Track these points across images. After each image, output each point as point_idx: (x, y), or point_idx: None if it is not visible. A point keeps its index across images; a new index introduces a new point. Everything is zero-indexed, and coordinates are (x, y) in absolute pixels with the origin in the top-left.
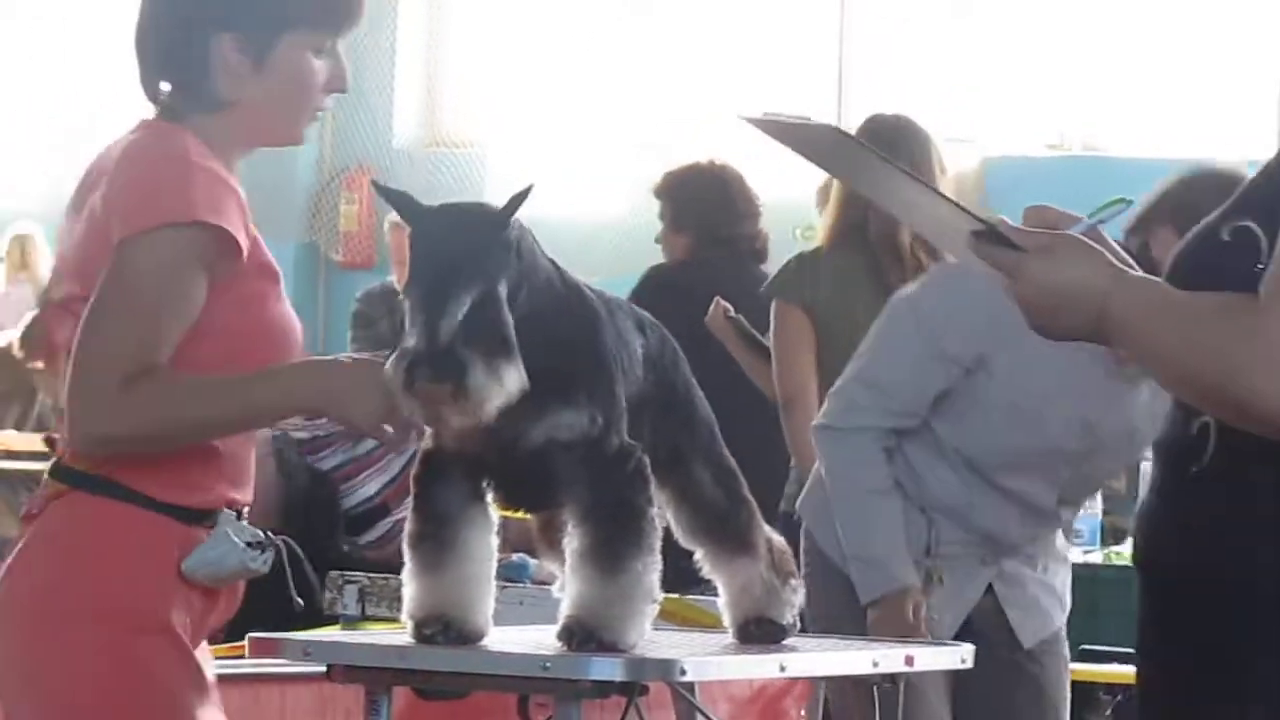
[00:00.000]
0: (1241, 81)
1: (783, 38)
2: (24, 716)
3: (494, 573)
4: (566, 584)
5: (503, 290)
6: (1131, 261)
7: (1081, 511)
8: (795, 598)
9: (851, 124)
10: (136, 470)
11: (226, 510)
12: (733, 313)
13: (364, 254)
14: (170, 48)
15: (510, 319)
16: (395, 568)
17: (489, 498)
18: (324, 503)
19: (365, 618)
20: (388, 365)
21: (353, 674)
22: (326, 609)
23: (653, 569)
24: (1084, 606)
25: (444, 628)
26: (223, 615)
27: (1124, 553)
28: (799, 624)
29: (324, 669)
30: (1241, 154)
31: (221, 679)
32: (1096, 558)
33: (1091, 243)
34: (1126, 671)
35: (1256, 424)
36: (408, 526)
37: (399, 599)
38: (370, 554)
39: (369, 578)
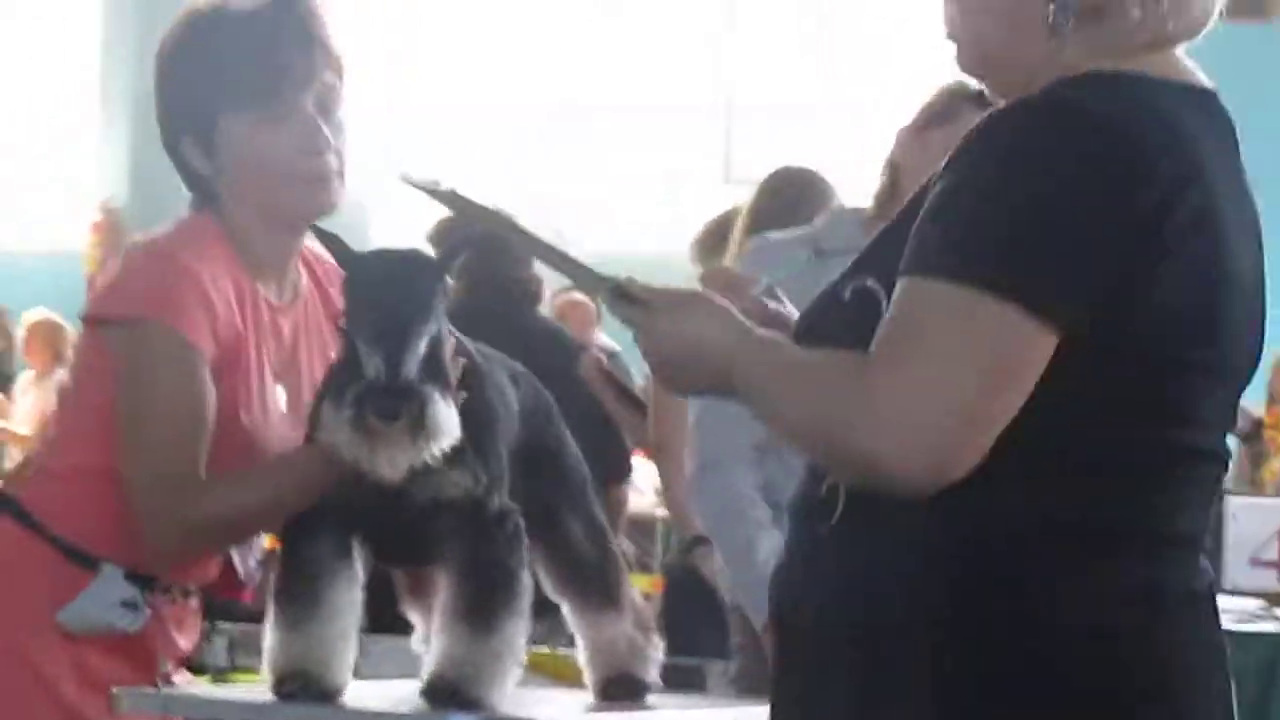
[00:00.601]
0: None
1: None
2: None
3: (357, 628)
4: (434, 639)
5: (444, 333)
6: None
7: None
8: (656, 654)
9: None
10: (40, 504)
11: (111, 565)
12: (605, 363)
13: None
14: (169, 152)
15: (449, 361)
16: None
17: (356, 553)
18: None
19: (234, 668)
20: (326, 405)
21: None
22: (196, 658)
23: (522, 631)
24: None
25: (304, 685)
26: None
27: None
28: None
29: None
30: None
31: None
32: None
33: (721, 301)
34: None
35: (877, 484)
36: (274, 580)
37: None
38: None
39: (239, 628)
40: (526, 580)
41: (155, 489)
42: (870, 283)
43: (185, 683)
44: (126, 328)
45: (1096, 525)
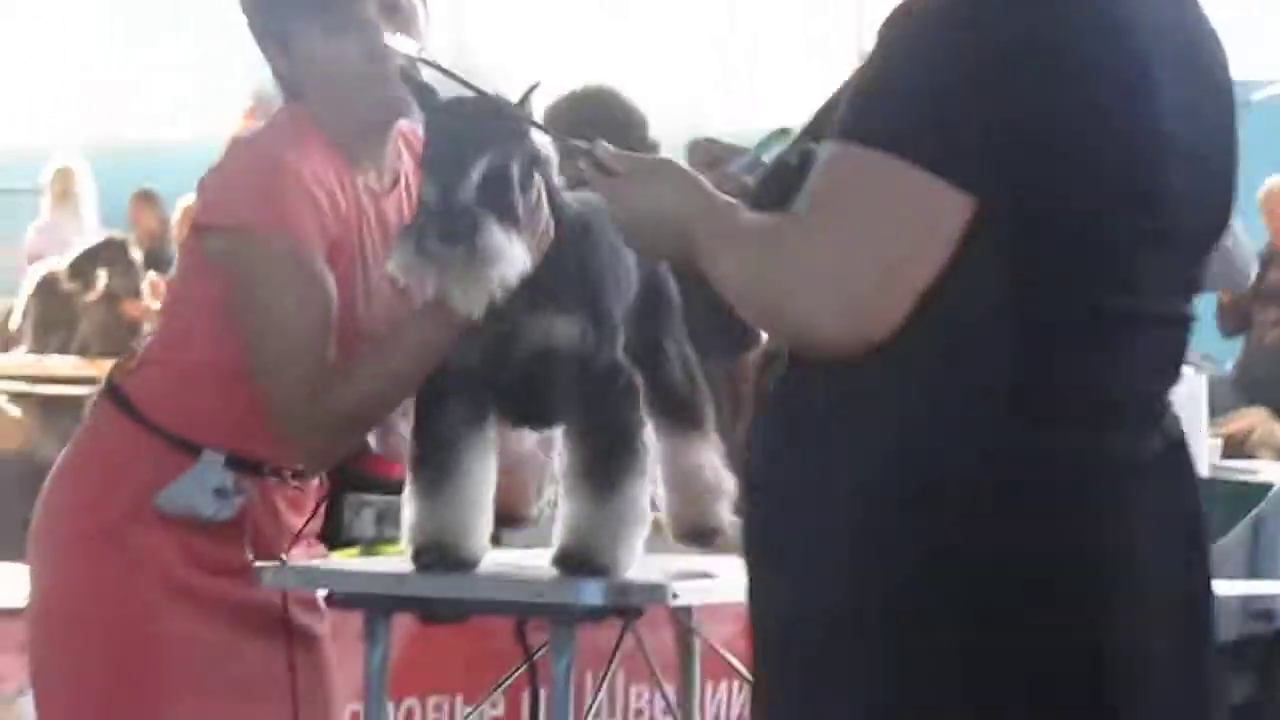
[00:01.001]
0: None
1: None
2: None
3: (493, 495)
4: (560, 503)
5: (515, 172)
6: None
7: None
8: (733, 488)
9: None
10: (143, 392)
11: (210, 451)
12: None
13: None
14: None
15: (520, 197)
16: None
17: (488, 419)
18: None
19: (384, 540)
20: (396, 241)
21: (352, 601)
22: (345, 532)
23: (644, 491)
24: None
25: (440, 555)
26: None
27: None
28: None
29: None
30: None
31: None
32: None
33: (690, 170)
34: None
35: (805, 344)
36: (409, 449)
37: None
38: (388, 472)
39: (386, 500)
40: (645, 440)
41: (293, 393)
42: (814, 146)
43: (317, 556)
44: (239, 236)
45: (1023, 389)
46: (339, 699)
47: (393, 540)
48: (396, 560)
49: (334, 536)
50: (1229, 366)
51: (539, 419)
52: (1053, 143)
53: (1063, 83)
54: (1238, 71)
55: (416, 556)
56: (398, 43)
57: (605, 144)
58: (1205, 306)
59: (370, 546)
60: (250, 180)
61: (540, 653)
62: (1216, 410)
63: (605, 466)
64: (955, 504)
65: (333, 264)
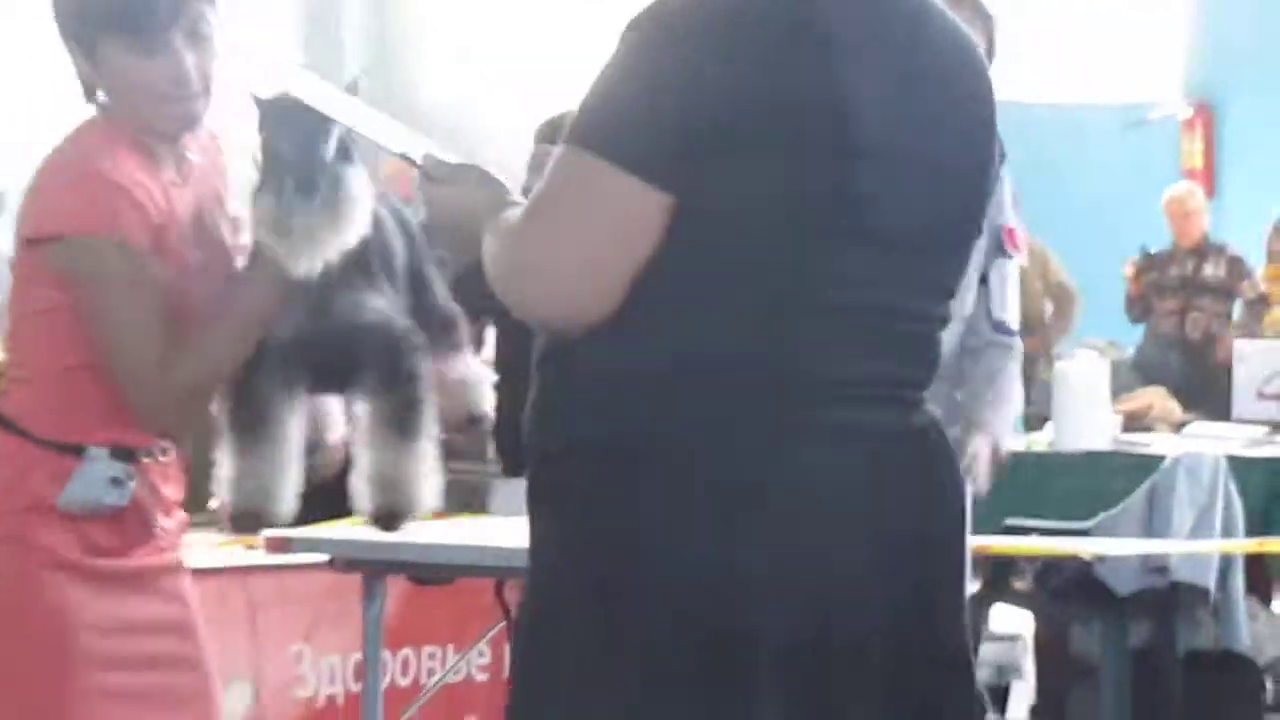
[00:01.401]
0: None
1: None
2: None
3: (299, 455)
4: (363, 456)
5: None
6: None
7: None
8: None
9: None
10: (20, 410)
11: (94, 448)
12: None
13: None
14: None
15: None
16: None
17: (300, 386)
18: None
19: None
20: (251, 209)
21: (352, 565)
22: (349, 503)
23: (435, 439)
24: (1007, 489)
25: (255, 520)
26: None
27: (1041, 439)
28: None
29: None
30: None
31: (252, 569)
32: (1020, 444)
33: (492, 175)
34: (1043, 544)
35: (534, 323)
36: (225, 409)
37: None
38: None
39: None
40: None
41: (143, 377)
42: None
43: (183, 524)
44: (73, 244)
45: (715, 368)
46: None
47: None
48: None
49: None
50: (1130, 351)
51: (346, 385)
52: (740, 149)
53: (752, 97)
54: (1132, 94)
55: (233, 521)
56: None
57: (431, 154)
58: (1113, 297)
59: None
60: (72, 191)
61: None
62: (1119, 390)
63: (406, 423)
64: (640, 456)
65: (158, 252)
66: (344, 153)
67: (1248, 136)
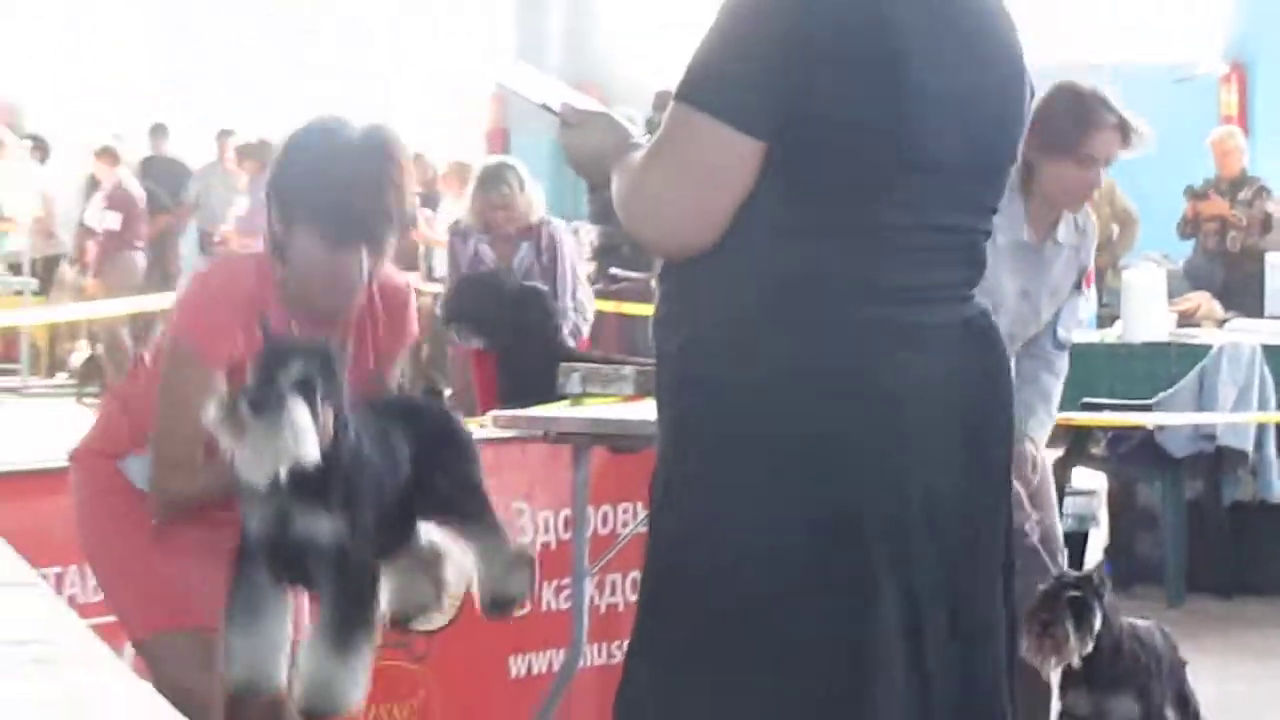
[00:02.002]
0: None
1: None
2: None
3: (289, 633)
4: (302, 655)
5: (319, 387)
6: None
7: (1088, 301)
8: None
9: None
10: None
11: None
12: None
13: None
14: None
15: (320, 406)
16: (596, 359)
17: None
18: (545, 313)
19: (585, 394)
20: (214, 403)
21: (562, 438)
22: (559, 390)
23: (372, 648)
24: (1083, 373)
25: (253, 689)
26: None
27: (1111, 334)
28: None
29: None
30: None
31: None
32: (1095, 337)
33: (618, 121)
34: (1114, 417)
35: (653, 254)
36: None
37: (609, 381)
38: (587, 348)
39: (587, 367)
40: (378, 612)
41: (159, 465)
42: None
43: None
44: (173, 342)
45: (805, 280)
46: None
47: (591, 395)
48: (594, 409)
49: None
50: (1180, 263)
51: (303, 584)
52: (817, 98)
53: (825, 58)
54: (1177, 54)
55: (234, 690)
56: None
57: (568, 103)
58: (1166, 220)
59: (576, 399)
60: (196, 307)
61: None
62: (1172, 294)
63: (344, 634)
64: (746, 353)
65: (232, 375)
66: (303, 386)
67: (1274, 91)
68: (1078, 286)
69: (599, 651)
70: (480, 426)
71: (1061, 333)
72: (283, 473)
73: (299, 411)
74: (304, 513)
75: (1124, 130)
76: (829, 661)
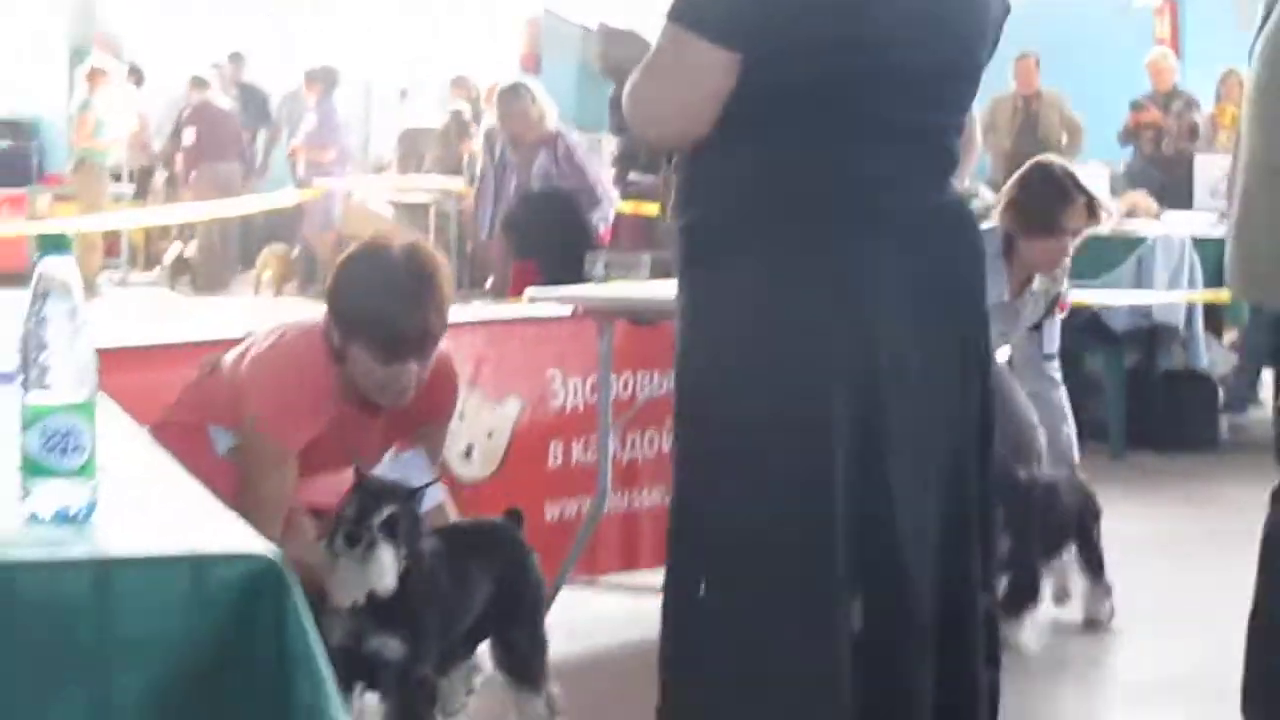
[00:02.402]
0: None
1: None
2: None
3: None
4: None
5: (403, 527)
6: None
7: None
8: None
9: None
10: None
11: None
12: None
13: None
14: None
15: (402, 543)
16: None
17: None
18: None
19: (608, 277)
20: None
21: (589, 312)
22: (585, 274)
23: None
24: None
25: None
26: None
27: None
28: None
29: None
30: None
31: (521, 320)
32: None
33: (642, 37)
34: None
35: (650, 142)
36: None
37: (629, 266)
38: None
39: (609, 253)
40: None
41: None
42: None
43: None
44: (251, 429)
45: (783, 170)
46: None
47: (612, 278)
48: (615, 287)
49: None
50: (1121, 166)
51: (373, 689)
52: (789, 13)
53: None
54: None
55: None
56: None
57: (603, 23)
58: (1108, 130)
59: (601, 281)
60: (281, 394)
61: None
62: (1114, 192)
63: None
64: (734, 232)
65: (305, 452)
66: (389, 527)
67: (1201, 19)
68: (1051, 312)
69: (621, 498)
70: (521, 304)
71: (1047, 347)
72: (362, 598)
73: (384, 550)
74: (377, 632)
75: (1091, 207)
76: (797, 487)
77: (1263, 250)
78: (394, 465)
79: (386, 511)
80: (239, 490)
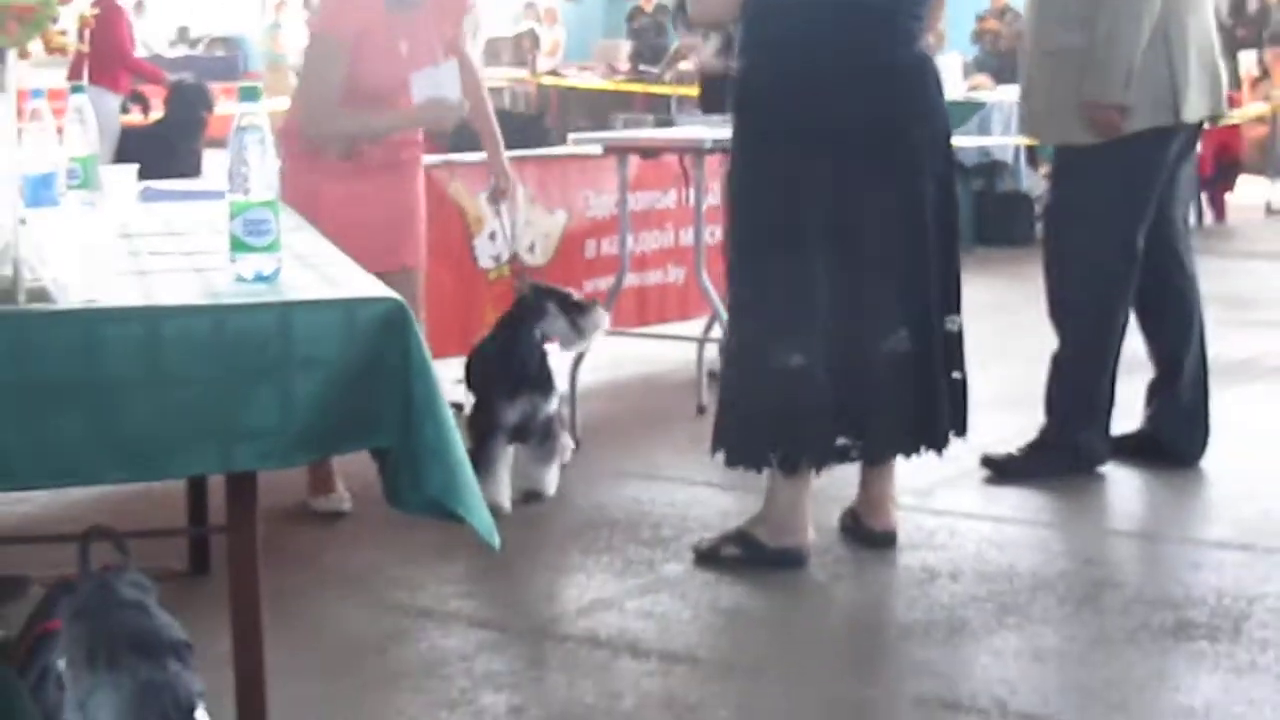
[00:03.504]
0: None
1: None
2: None
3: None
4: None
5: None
6: None
7: None
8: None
9: None
10: None
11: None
12: None
13: None
14: None
15: None
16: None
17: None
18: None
19: (625, 127)
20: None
21: (609, 150)
22: (610, 126)
23: None
24: None
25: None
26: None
27: None
28: None
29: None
30: None
31: (563, 156)
32: None
33: None
34: None
35: (702, 23)
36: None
37: (638, 122)
38: None
39: (626, 114)
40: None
41: (305, 116)
42: None
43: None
44: (309, 32)
45: (789, 40)
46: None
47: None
48: (630, 134)
49: None
50: (972, 58)
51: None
52: None
53: None
54: None
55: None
56: None
57: None
58: (963, 32)
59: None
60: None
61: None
62: (965, 74)
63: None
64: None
65: (359, 46)
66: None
67: None
68: None
69: (635, 277)
70: (567, 146)
71: None
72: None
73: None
74: (545, 396)
75: None
76: (778, 202)
77: (1039, 108)
78: (432, 74)
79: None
80: (302, 83)
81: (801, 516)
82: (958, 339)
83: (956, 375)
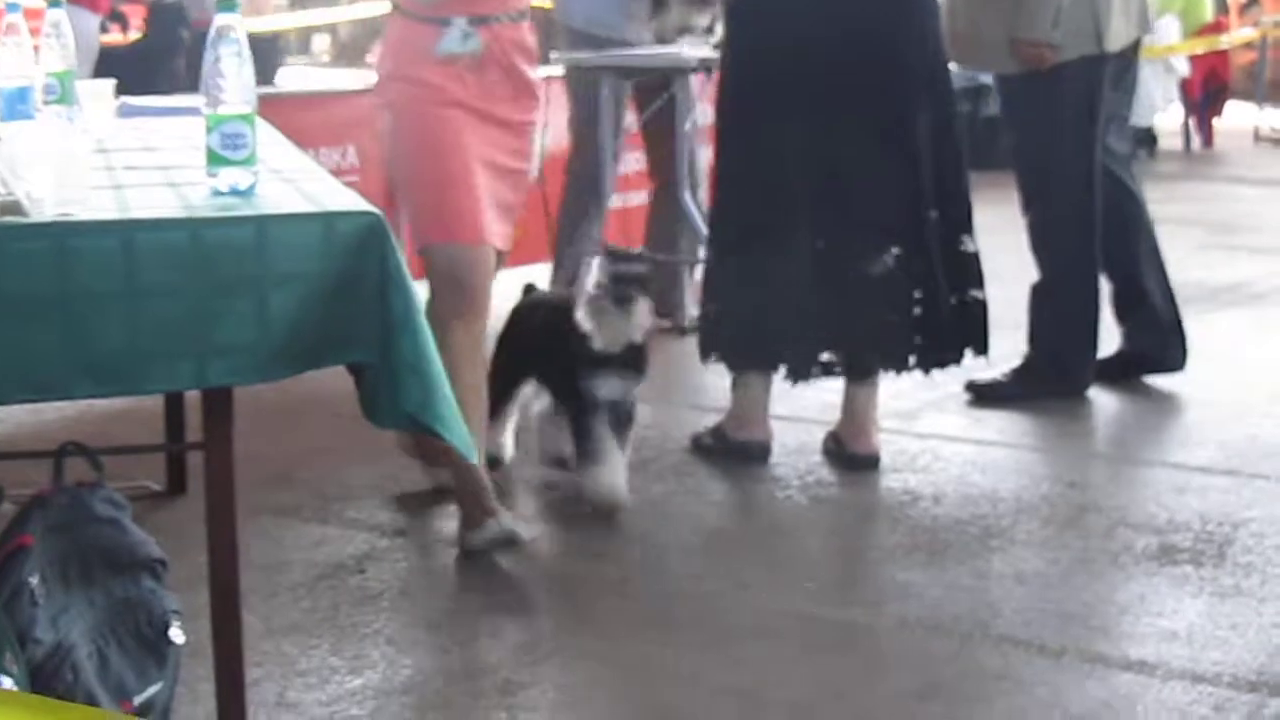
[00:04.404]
0: None
1: None
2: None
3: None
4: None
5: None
6: None
7: None
8: None
9: None
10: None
11: (455, 17)
12: None
13: None
14: None
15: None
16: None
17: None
18: None
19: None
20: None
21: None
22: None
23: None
24: None
25: (615, 503)
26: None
27: None
28: None
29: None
30: None
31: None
32: None
33: None
34: None
35: None
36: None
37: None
38: None
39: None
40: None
41: None
42: None
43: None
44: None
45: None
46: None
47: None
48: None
49: None
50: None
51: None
52: None
53: None
54: None
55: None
56: None
57: None
58: None
59: None
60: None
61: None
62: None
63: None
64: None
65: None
66: (641, 287)
67: None
68: None
69: (618, 199)
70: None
71: None
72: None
73: (643, 307)
74: (625, 379)
75: None
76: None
77: (963, 33)
78: None
79: (636, 282)
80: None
81: (761, 411)
82: (974, 258)
83: (977, 294)
